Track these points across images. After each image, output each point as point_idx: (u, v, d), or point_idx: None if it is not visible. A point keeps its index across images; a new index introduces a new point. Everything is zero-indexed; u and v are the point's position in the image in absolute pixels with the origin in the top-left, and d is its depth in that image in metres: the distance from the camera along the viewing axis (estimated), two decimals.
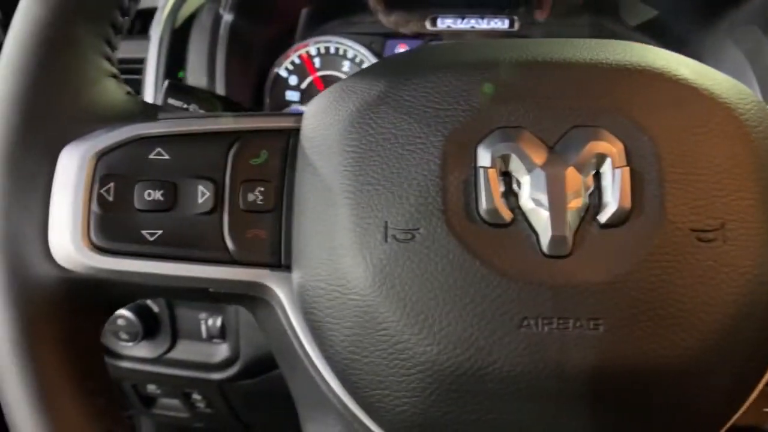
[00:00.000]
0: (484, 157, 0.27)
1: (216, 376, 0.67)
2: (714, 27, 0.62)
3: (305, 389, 0.32)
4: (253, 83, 0.72)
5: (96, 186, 0.29)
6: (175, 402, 0.77)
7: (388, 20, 0.73)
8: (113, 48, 0.32)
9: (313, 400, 0.32)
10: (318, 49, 0.74)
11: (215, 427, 0.85)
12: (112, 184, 0.29)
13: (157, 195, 0.30)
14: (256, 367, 0.65)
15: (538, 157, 0.26)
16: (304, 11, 0.74)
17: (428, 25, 0.73)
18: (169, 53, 0.65)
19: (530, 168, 0.26)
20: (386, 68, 0.31)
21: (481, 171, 0.26)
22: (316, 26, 0.74)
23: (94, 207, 0.29)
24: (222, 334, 0.64)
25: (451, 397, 0.26)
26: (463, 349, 0.25)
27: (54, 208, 0.29)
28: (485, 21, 0.72)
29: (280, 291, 0.30)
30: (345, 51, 0.73)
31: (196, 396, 0.75)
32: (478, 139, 0.27)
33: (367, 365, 0.27)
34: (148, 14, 0.68)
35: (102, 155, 0.29)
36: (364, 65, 0.73)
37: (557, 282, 0.25)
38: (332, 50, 0.73)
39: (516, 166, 0.27)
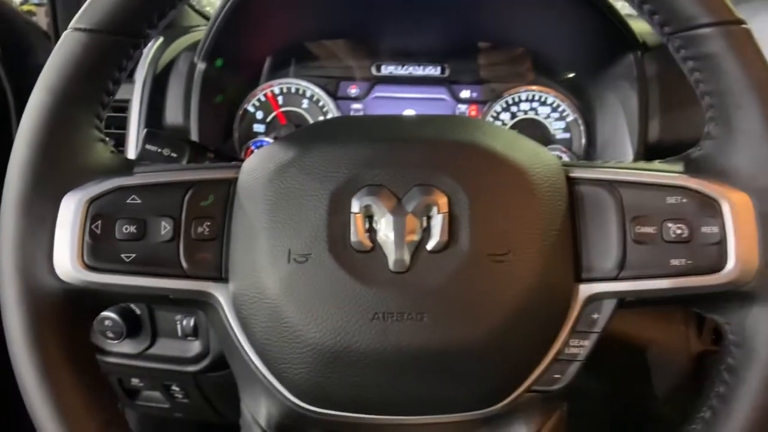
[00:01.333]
0: (355, 206, 0.39)
1: (190, 368, 0.77)
2: (600, 80, 0.75)
3: (241, 368, 0.44)
4: (223, 119, 0.83)
5: (88, 223, 0.40)
6: (156, 394, 0.87)
7: (338, 68, 0.85)
8: (101, 119, 0.43)
9: (246, 375, 0.44)
10: (281, 89, 0.86)
11: (193, 417, 0.94)
12: (99, 222, 0.40)
13: (132, 229, 0.41)
14: (223, 360, 0.75)
15: (390, 206, 0.39)
16: (268, 58, 0.86)
17: (373, 71, 0.85)
18: (150, 95, 0.77)
19: (383, 214, 0.38)
20: (296, 139, 0.43)
21: (353, 216, 0.39)
22: (279, 70, 0.86)
23: (87, 238, 0.40)
24: (195, 332, 0.74)
25: (329, 368, 0.38)
26: (335, 334, 0.37)
27: (57, 239, 0.40)
28: (421, 68, 0.84)
29: (221, 297, 0.42)
30: (304, 91, 0.85)
31: (174, 387, 0.84)
32: (352, 193, 0.39)
33: (276, 347, 0.39)
34: None
35: (92, 201, 0.40)
36: (320, 103, 0.85)
37: (398, 289, 0.37)
38: (293, 90, 0.86)
39: (376, 212, 0.39)
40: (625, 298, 0.41)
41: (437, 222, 0.38)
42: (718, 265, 0.39)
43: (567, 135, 0.82)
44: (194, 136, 0.76)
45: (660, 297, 0.41)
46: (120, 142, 0.77)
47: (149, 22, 0.42)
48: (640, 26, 0.72)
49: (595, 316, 0.41)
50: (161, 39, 0.82)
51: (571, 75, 0.81)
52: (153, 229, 0.41)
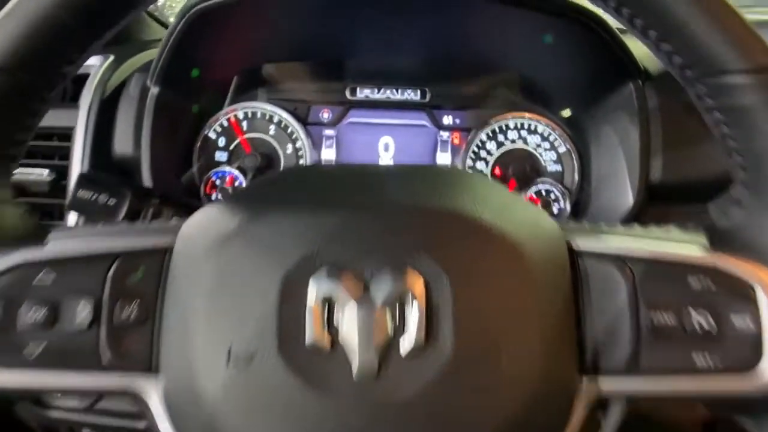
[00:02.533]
0: (312, 293, 0.31)
1: (141, 424, 0.70)
2: (596, 111, 0.69)
3: None
4: (181, 147, 0.76)
5: None
6: None
7: (309, 91, 0.78)
8: (9, 177, 0.36)
9: None
10: (246, 113, 0.78)
11: None
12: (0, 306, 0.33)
13: (40, 314, 0.34)
14: None
15: (355, 294, 0.31)
16: (234, 79, 0.78)
17: (348, 95, 0.78)
18: (97, 122, 0.69)
19: (347, 306, 0.31)
20: (244, 198, 0.36)
21: (308, 309, 0.31)
22: (246, 93, 0.79)
23: None
24: None
25: None
26: None
27: None
28: (400, 92, 0.77)
29: (151, 391, 0.34)
30: (271, 116, 0.78)
31: None
32: (308, 277, 0.32)
33: None
34: (81, 81, 0.72)
35: None
36: (288, 130, 0.77)
37: (364, 401, 0.30)
38: (259, 115, 0.78)
39: (337, 301, 0.31)
40: (638, 398, 0.35)
41: (413, 314, 0.31)
42: (751, 363, 0.33)
43: (558, 167, 0.75)
44: (146, 168, 0.68)
45: (678, 398, 0.34)
46: (63, 175, 0.68)
47: (66, 59, 0.35)
48: (640, 50, 0.65)
49: (602, 419, 0.34)
50: (111, 57, 0.74)
51: (568, 113, 0.74)
52: (67, 313, 0.34)
